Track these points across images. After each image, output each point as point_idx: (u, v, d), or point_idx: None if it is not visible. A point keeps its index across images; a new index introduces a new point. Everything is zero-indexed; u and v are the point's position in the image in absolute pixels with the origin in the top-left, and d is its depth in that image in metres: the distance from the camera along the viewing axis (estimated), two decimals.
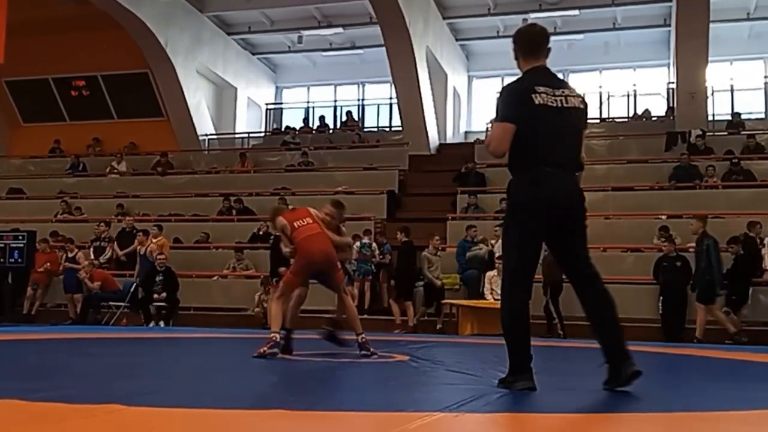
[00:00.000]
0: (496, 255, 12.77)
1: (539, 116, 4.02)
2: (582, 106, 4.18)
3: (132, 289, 13.58)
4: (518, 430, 3.26)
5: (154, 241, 14.07)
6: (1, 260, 14.30)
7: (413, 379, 4.86)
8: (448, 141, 20.91)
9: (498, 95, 4.23)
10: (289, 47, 23.10)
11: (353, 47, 22.58)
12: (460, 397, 4.01)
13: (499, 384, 4.14)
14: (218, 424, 3.06)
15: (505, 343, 4.14)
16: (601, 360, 4.16)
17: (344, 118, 22.48)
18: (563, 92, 4.11)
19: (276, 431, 3.03)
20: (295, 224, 6.24)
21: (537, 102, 4.03)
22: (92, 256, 14.63)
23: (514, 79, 4.32)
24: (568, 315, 12.21)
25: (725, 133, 18.16)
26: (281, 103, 24.60)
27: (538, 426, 3.30)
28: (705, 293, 11.41)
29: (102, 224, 15.44)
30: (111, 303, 13.63)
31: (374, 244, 13.93)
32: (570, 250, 4.18)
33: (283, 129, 22.61)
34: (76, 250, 14.57)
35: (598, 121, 20.15)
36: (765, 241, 11.95)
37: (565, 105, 4.08)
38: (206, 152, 21.06)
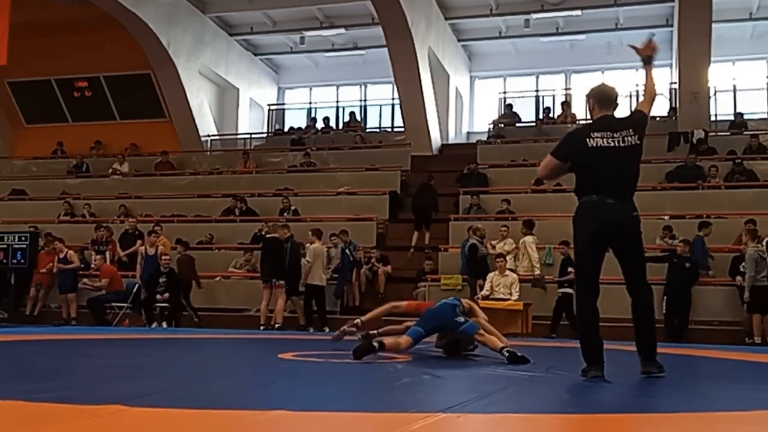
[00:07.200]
0: (495, 256, 12.83)
1: (593, 156, 4.89)
2: (638, 142, 4.95)
3: (135, 290, 13.57)
4: (520, 430, 3.26)
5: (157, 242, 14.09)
6: (4, 261, 14.33)
7: (415, 380, 4.85)
8: (450, 142, 20.92)
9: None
10: (291, 48, 23.12)
11: (355, 48, 22.60)
12: (463, 397, 4.01)
13: (582, 373, 4.86)
14: (220, 424, 3.07)
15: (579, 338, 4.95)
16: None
17: (347, 119, 22.49)
18: (621, 133, 4.92)
19: None
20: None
21: (590, 145, 4.90)
22: (96, 258, 14.59)
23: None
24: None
25: (728, 133, 18.16)
26: (283, 104, 24.63)
27: (540, 426, 3.29)
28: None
29: (102, 228, 15.36)
30: (114, 304, 13.63)
31: (341, 245, 14.01)
32: (623, 264, 5.01)
33: (286, 130, 22.64)
34: (66, 250, 14.38)
35: None
36: (765, 242, 11.92)
37: (621, 144, 4.90)
38: (208, 153, 21.09)
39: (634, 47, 5.37)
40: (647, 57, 5.25)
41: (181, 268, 13.64)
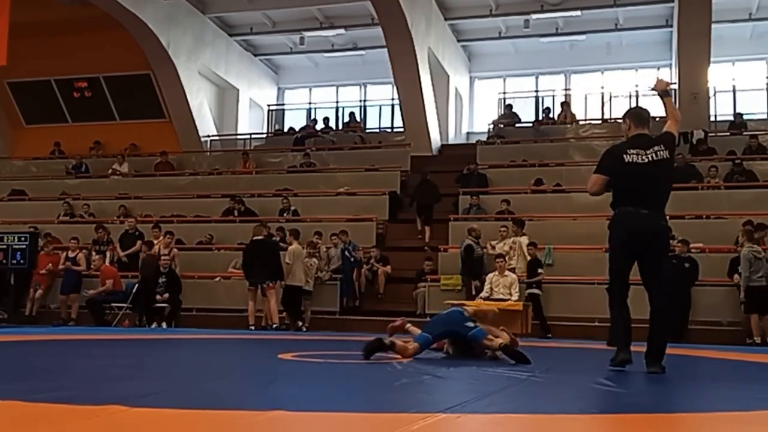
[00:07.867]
0: (495, 256, 12.81)
1: (629, 170, 5.44)
2: (669, 156, 5.53)
3: (134, 290, 13.56)
4: (520, 430, 3.26)
5: (156, 242, 14.08)
6: (4, 261, 14.32)
7: (415, 380, 4.85)
8: (450, 142, 20.93)
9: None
10: (291, 48, 23.13)
11: (355, 48, 22.60)
12: (463, 397, 4.01)
13: (611, 363, 5.41)
14: (219, 424, 3.07)
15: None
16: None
17: (347, 119, 22.48)
18: (654, 149, 5.48)
19: None
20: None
21: (627, 160, 5.47)
22: (95, 258, 14.60)
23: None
24: (564, 316, 12.30)
25: (727, 133, 18.16)
26: (283, 104, 24.63)
27: (540, 427, 3.29)
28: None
29: (101, 229, 15.34)
30: (113, 304, 13.62)
31: (341, 245, 14.00)
32: (645, 268, 5.55)
33: (286, 130, 22.64)
34: (78, 251, 14.49)
35: (600, 121, 20.17)
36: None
37: (654, 159, 5.45)
38: (208, 153, 21.08)
39: (652, 87, 6.05)
40: (663, 92, 5.88)
41: (145, 268, 13.65)
